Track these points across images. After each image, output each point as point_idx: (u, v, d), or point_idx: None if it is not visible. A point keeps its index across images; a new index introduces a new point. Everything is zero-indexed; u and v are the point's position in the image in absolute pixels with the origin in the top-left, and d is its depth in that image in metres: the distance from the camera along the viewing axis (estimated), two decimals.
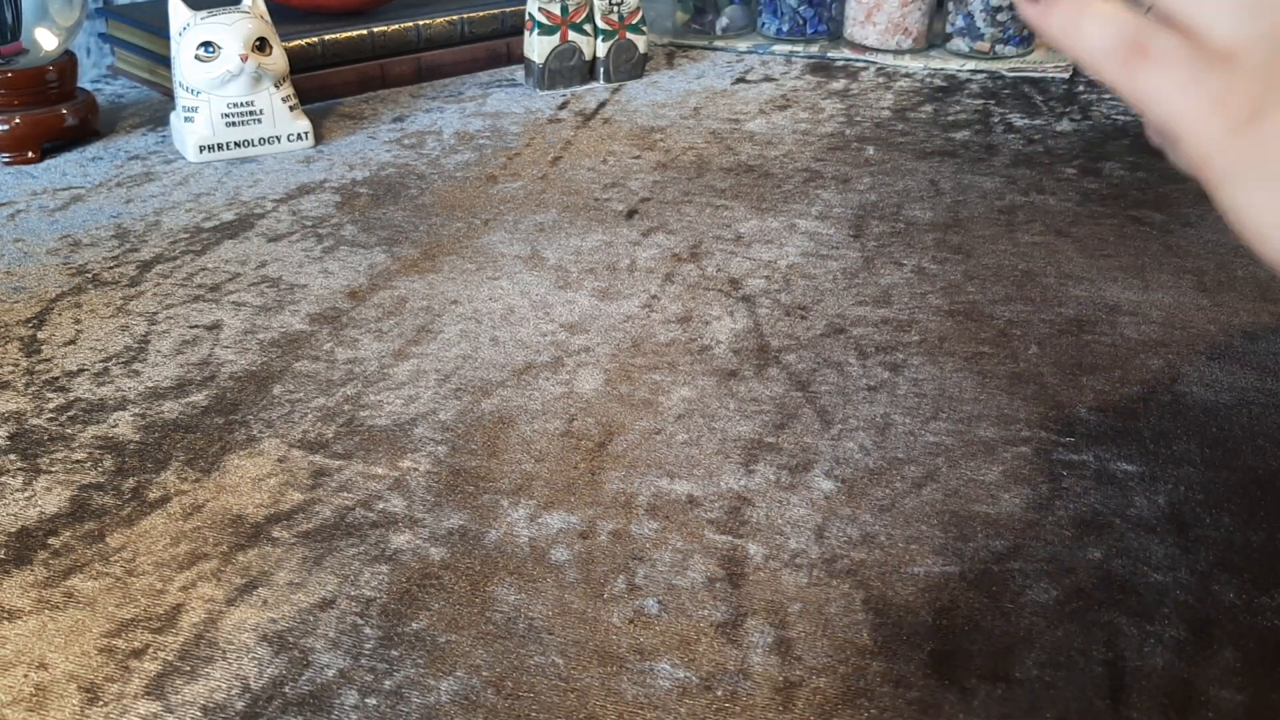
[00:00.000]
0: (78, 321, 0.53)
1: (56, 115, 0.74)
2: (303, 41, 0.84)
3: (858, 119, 0.82)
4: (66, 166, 0.73)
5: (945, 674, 0.32)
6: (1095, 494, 0.39)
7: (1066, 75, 0.92)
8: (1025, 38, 0.96)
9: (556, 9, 0.87)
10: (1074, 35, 0.34)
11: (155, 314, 0.53)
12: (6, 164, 0.73)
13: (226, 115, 0.72)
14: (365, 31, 0.88)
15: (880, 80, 0.92)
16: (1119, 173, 0.70)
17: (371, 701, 0.31)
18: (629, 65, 0.92)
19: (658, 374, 0.47)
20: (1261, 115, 0.30)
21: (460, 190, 0.68)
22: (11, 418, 0.45)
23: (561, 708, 0.31)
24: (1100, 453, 0.41)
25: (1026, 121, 0.81)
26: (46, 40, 0.73)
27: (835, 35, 1.02)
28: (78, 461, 0.42)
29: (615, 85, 0.91)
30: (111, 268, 0.58)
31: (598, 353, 0.49)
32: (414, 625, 0.34)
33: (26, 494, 0.40)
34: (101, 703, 0.31)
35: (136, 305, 0.54)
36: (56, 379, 0.48)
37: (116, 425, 0.44)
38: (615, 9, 0.89)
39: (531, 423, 0.44)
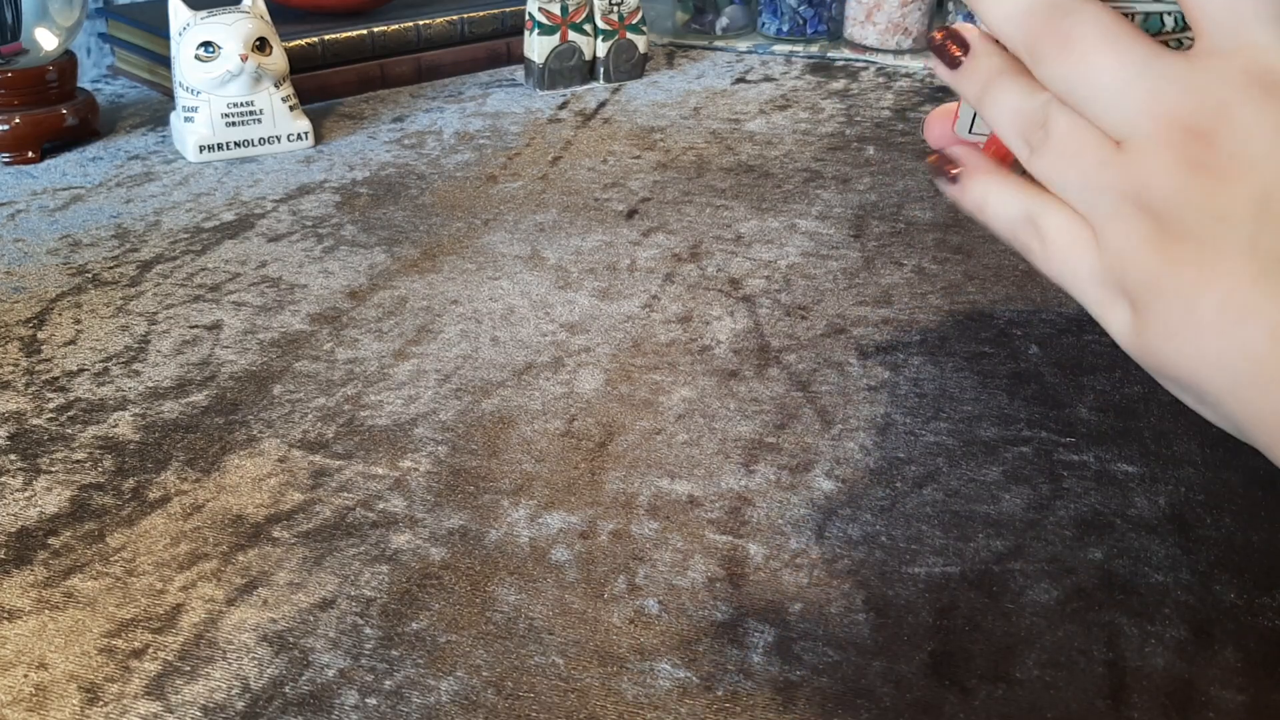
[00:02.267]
0: (78, 321, 0.52)
1: (56, 115, 0.74)
2: (303, 41, 0.84)
3: (858, 119, 0.82)
4: (66, 166, 0.73)
5: (946, 674, 0.32)
6: (1096, 494, 0.39)
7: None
8: None
9: (556, 9, 0.87)
10: (986, 106, 0.36)
11: (155, 314, 0.53)
12: (6, 164, 0.73)
13: (226, 115, 0.72)
14: (365, 31, 0.88)
15: (880, 80, 0.92)
16: None
17: (372, 701, 0.31)
18: (629, 65, 0.92)
19: (658, 374, 0.47)
20: (1163, 226, 0.30)
21: (460, 190, 0.68)
22: (11, 418, 0.45)
23: (562, 708, 0.31)
24: (1101, 453, 0.41)
25: None
26: (46, 40, 0.73)
27: (835, 35, 1.02)
28: (78, 461, 0.42)
29: (615, 85, 0.91)
30: (111, 268, 0.58)
31: (598, 353, 0.49)
32: (414, 625, 0.34)
33: (26, 494, 0.40)
34: (101, 703, 0.31)
35: (136, 305, 0.54)
36: (56, 379, 0.48)
37: (116, 425, 0.44)
38: (615, 9, 0.89)
39: (532, 423, 0.44)
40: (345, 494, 0.40)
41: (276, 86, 0.74)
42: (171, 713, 0.31)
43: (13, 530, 0.38)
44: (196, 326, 0.52)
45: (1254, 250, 0.28)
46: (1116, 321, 0.32)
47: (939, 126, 0.44)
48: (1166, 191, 0.29)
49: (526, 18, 0.88)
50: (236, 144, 0.73)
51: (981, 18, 0.34)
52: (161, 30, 0.79)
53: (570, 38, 0.88)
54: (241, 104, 0.72)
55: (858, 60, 0.98)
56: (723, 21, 1.05)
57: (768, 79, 0.93)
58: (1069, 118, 0.32)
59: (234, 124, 0.73)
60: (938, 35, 0.36)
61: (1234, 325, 0.29)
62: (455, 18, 0.92)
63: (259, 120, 0.73)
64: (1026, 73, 0.34)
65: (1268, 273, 0.28)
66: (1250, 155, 0.28)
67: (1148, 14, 0.35)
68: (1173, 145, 0.29)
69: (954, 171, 0.37)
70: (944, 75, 0.36)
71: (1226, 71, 0.29)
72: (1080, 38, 0.31)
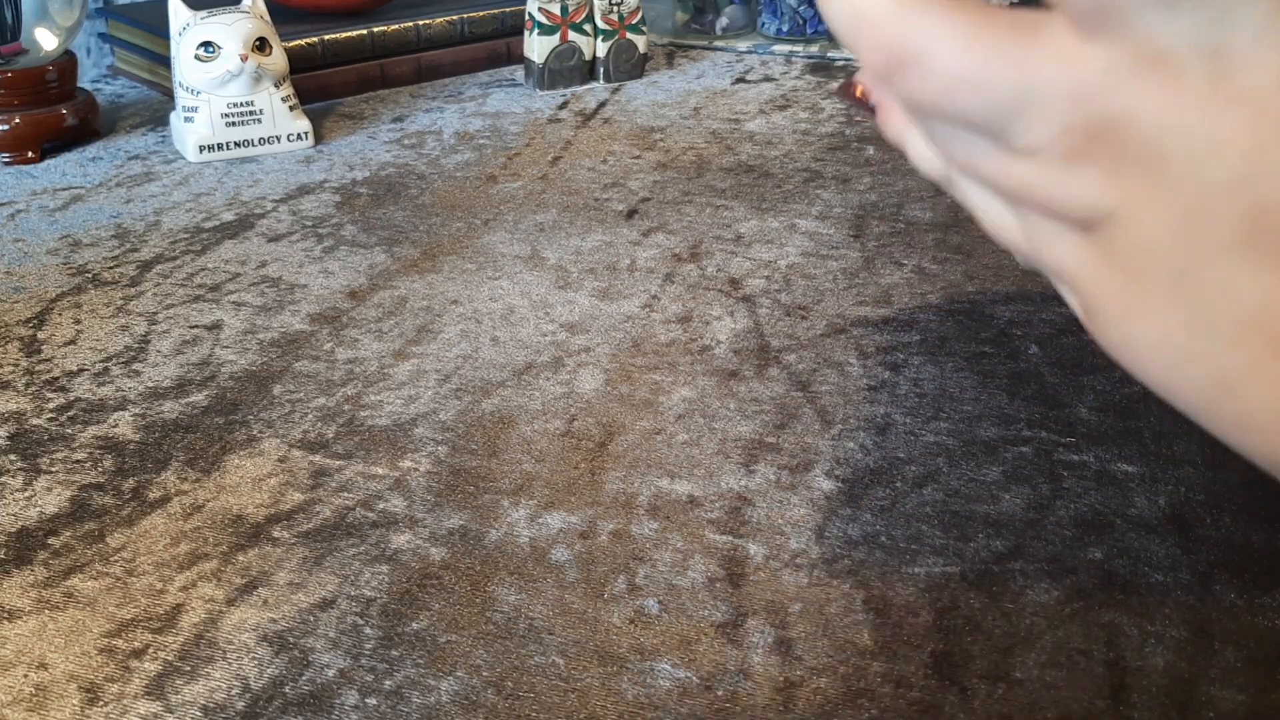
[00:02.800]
0: (78, 321, 0.52)
1: (56, 115, 0.74)
2: (303, 41, 0.84)
3: (858, 119, 0.82)
4: (66, 166, 0.73)
5: (946, 674, 0.32)
6: (1096, 494, 0.39)
7: None
8: None
9: (556, 9, 0.87)
10: (905, 153, 0.31)
11: (155, 314, 0.53)
12: (6, 164, 0.73)
13: (226, 115, 0.72)
14: (365, 31, 0.88)
15: None
16: None
17: (372, 701, 0.31)
18: (629, 65, 0.92)
19: (658, 374, 0.47)
20: (1093, 235, 0.25)
21: (460, 190, 0.68)
22: (11, 418, 0.45)
23: (562, 708, 0.31)
24: (1101, 453, 0.41)
25: None
26: (46, 40, 0.73)
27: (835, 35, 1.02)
28: (78, 461, 0.42)
29: (615, 85, 0.91)
30: (111, 268, 0.58)
31: (598, 353, 0.49)
32: (414, 625, 0.34)
33: (26, 494, 0.40)
34: (101, 703, 0.31)
35: (136, 305, 0.54)
36: (56, 379, 0.48)
37: (116, 425, 0.44)
38: (615, 9, 0.89)
39: (532, 423, 0.44)
40: (345, 494, 0.40)
41: (276, 86, 0.74)
42: (171, 713, 0.31)
43: (13, 530, 0.38)
44: (196, 326, 0.52)
45: (1182, 289, 0.24)
46: (1070, 302, 0.28)
47: None
48: (1081, 208, 0.25)
49: (526, 18, 0.88)
50: (236, 144, 0.73)
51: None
52: (161, 30, 0.79)
53: (570, 38, 0.88)
54: (241, 104, 0.72)
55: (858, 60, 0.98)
56: (723, 21, 1.05)
57: (768, 79, 0.93)
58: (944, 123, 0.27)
59: (234, 124, 0.73)
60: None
61: (1174, 367, 0.25)
62: (455, 18, 0.92)
63: (259, 120, 0.73)
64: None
65: (1199, 321, 0.24)
66: (1165, 164, 0.23)
67: None
68: (1076, 155, 0.24)
69: (870, 101, 0.32)
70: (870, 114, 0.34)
71: (1115, 61, 0.23)
72: (929, 53, 0.25)
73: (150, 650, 0.33)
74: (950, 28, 0.24)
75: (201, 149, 0.73)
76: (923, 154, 0.31)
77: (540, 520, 0.38)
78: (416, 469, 0.41)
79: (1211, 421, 0.26)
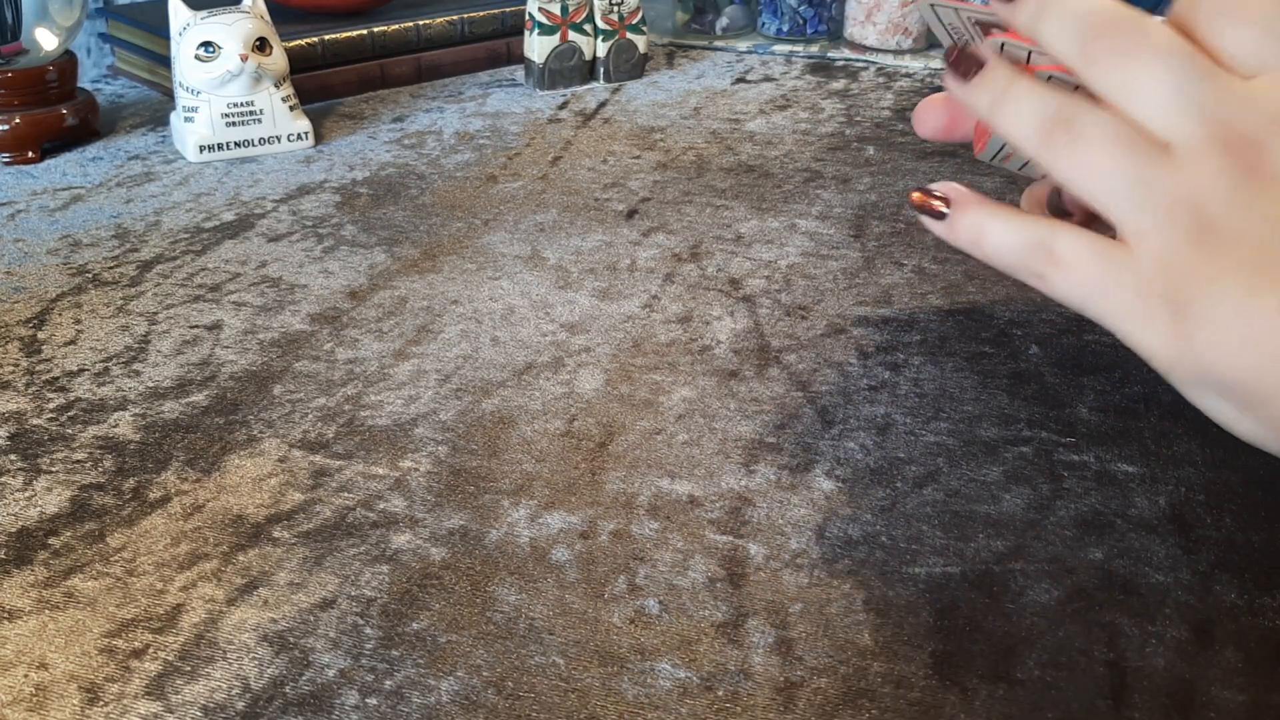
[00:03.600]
0: (78, 321, 0.52)
1: (56, 115, 0.74)
2: (303, 41, 0.84)
3: (858, 119, 0.82)
4: (66, 166, 0.73)
5: (946, 674, 0.32)
6: (1096, 494, 0.39)
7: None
8: None
9: (556, 9, 0.87)
10: (1000, 114, 0.35)
11: (155, 314, 0.53)
12: (6, 164, 0.73)
13: (226, 115, 0.72)
14: (365, 31, 0.88)
15: (880, 80, 0.92)
16: None
17: (372, 701, 0.31)
18: (629, 65, 0.92)
19: (658, 374, 0.47)
20: (1213, 231, 0.30)
21: (460, 190, 0.68)
22: (11, 418, 0.45)
23: (562, 708, 0.31)
24: (1101, 453, 0.41)
25: None
26: (46, 40, 0.73)
27: (835, 35, 1.02)
28: (78, 461, 0.42)
29: (615, 85, 0.91)
30: (111, 268, 0.58)
31: (598, 353, 0.49)
32: (414, 625, 0.34)
33: (26, 494, 0.40)
34: (101, 703, 0.31)
35: (137, 305, 0.54)
36: (56, 379, 0.48)
37: (117, 425, 0.44)
38: (615, 9, 0.89)
39: (532, 423, 0.44)
40: (345, 494, 0.40)
41: (276, 86, 0.74)
42: (171, 713, 0.31)
43: (13, 530, 0.38)
44: (196, 326, 0.52)
45: None
46: (1154, 333, 0.32)
47: (931, 118, 0.45)
48: (1220, 195, 0.30)
49: (526, 18, 0.88)
50: (236, 144, 0.73)
51: (1040, 15, 0.34)
52: (161, 30, 0.79)
53: (570, 38, 0.88)
54: (241, 104, 0.72)
55: (858, 60, 0.98)
56: (723, 21, 1.05)
57: (768, 79, 0.93)
58: (1104, 116, 0.33)
59: (234, 124, 0.73)
60: (954, 51, 0.37)
61: None
62: (455, 18, 0.92)
63: (259, 120, 0.73)
64: (1040, 81, 0.35)
65: None
66: None
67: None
68: (1228, 151, 0.30)
69: (939, 207, 0.37)
70: (957, 89, 0.37)
71: (1275, 87, 0.30)
72: (1143, 45, 0.32)
73: (150, 650, 0.33)
74: (1161, 30, 0.32)
75: (201, 149, 0.73)
76: (1004, 232, 0.36)
77: (540, 520, 0.38)
78: (417, 469, 0.41)
79: None
